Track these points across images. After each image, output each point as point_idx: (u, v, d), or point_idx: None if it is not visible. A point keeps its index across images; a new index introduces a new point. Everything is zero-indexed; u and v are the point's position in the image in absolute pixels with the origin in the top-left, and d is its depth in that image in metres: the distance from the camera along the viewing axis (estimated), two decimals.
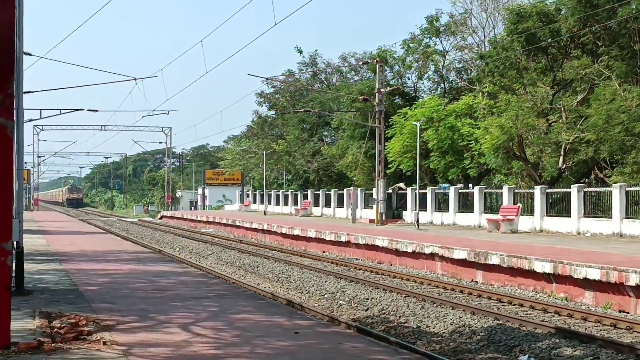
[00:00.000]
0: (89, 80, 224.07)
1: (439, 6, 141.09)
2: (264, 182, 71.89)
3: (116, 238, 40.13)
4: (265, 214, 63.13)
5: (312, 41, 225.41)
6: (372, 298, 19.17)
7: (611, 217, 29.92)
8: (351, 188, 50.04)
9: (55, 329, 10.63)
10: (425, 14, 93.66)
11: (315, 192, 60.84)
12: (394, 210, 47.00)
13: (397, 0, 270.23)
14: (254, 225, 45.63)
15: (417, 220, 38.96)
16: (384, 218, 43.30)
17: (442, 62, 56.59)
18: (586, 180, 40.55)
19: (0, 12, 8.15)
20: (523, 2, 43.41)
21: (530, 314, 16.92)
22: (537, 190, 34.41)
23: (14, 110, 9.18)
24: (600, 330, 14.99)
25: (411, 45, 55.98)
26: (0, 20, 8.13)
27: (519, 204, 35.33)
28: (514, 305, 18.08)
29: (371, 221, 43.90)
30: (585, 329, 15.02)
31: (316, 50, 76.24)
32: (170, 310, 13.01)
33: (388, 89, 47.29)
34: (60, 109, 54.35)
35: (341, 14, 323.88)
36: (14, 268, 14.39)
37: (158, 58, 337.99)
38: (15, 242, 14.34)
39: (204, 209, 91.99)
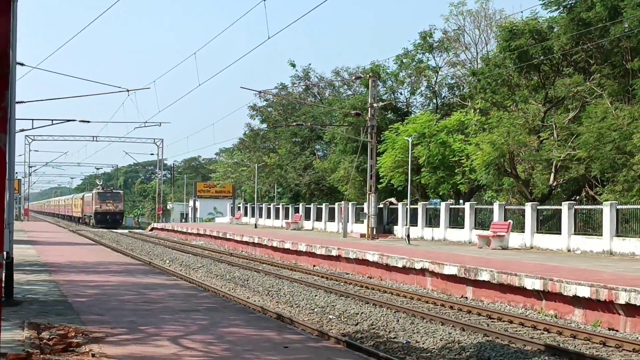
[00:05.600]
0: (82, 91, 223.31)
1: (432, 22, 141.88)
2: (255, 195, 71.85)
3: (106, 249, 40.02)
4: (256, 227, 63.04)
5: (306, 55, 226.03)
6: (362, 313, 19.15)
7: (601, 235, 29.98)
8: (342, 202, 50.04)
9: (44, 341, 10.60)
10: (419, 29, 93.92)
11: (307, 205, 60.78)
12: (384, 225, 47.00)
13: (392, 14, 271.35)
14: (245, 238, 45.54)
15: (408, 235, 38.99)
16: (374, 233, 43.32)
17: (435, 78, 56.80)
18: (577, 197, 40.64)
19: None
20: (515, 19, 43.61)
21: (519, 330, 16.92)
22: (528, 207, 34.48)
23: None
24: (590, 348, 15.00)
25: (404, 60, 56.18)
26: None
27: (509, 221, 35.39)
28: (504, 321, 18.08)
29: (362, 235, 43.90)
30: (575, 346, 15.03)
31: (309, 64, 76.54)
32: (160, 323, 12.98)
33: (380, 103, 47.43)
34: (52, 120, 54.42)
35: (335, 27, 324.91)
36: (3, 278, 14.37)
37: (151, 70, 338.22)
38: (5, 253, 14.32)
39: (194, 221, 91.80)
